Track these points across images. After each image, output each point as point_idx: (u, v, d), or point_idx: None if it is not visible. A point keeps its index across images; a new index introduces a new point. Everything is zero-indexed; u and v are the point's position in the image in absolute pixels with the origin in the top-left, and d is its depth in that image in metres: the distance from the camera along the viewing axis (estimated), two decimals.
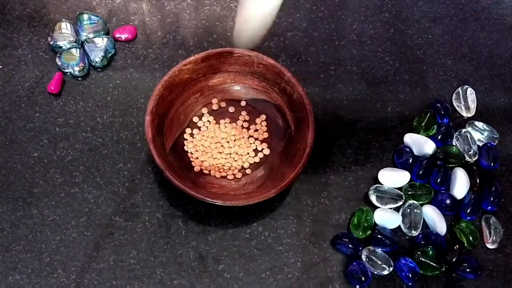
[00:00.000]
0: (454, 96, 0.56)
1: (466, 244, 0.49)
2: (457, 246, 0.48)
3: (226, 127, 0.52)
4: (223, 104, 0.53)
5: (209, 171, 0.50)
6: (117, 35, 0.56)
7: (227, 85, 0.53)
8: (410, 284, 0.47)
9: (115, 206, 0.49)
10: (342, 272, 0.48)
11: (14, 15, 0.57)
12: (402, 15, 0.60)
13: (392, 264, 0.47)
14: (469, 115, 0.55)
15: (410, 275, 0.47)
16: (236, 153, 0.51)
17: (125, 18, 0.57)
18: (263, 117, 0.52)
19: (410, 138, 0.53)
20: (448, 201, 0.50)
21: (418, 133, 0.53)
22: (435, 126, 0.53)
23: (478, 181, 0.51)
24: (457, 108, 0.55)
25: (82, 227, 0.48)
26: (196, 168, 0.50)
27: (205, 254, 0.48)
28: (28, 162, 0.50)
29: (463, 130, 0.53)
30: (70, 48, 0.54)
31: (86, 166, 0.50)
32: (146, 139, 0.46)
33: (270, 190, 0.45)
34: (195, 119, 0.52)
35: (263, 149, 0.51)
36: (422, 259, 0.47)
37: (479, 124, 0.54)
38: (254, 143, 0.51)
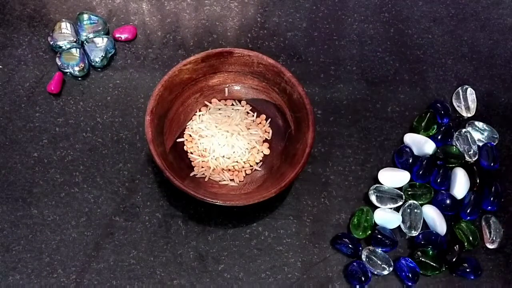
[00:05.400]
0: (454, 96, 0.56)
1: (466, 244, 0.49)
2: (457, 246, 0.48)
3: None
4: None
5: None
6: (117, 35, 0.56)
7: (227, 85, 0.53)
8: (410, 284, 0.47)
9: (115, 206, 0.49)
10: (342, 272, 0.48)
11: (14, 15, 0.57)
12: (402, 15, 0.60)
13: (392, 264, 0.47)
14: (469, 115, 0.55)
15: (410, 275, 0.47)
16: None
17: (125, 18, 0.57)
18: (263, 117, 0.52)
19: (410, 138, 0.53)
20: (448, 201, 0.50)
21: (418, 133, 0.53)
22: (435, 126, 0.53)
23: (478, 181, 0.51)
24: (457, 108, 0.55)
25: (82, 227, 0.48)
26: (196, 168, 0.50)
27: (205, 254, 0.48)
28: (28, 162, 0.50)
29: (463, 130, 0.53)
30: (70, 48, 0.54)
31: (86, 166, 0.50)
32: (146, 139, 0.46)
33: (270, 190, 0.45)
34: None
35: (263, 149, 0.51)
36: (422, 259, 0.47)
37: (479, 124, 0.54)
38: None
